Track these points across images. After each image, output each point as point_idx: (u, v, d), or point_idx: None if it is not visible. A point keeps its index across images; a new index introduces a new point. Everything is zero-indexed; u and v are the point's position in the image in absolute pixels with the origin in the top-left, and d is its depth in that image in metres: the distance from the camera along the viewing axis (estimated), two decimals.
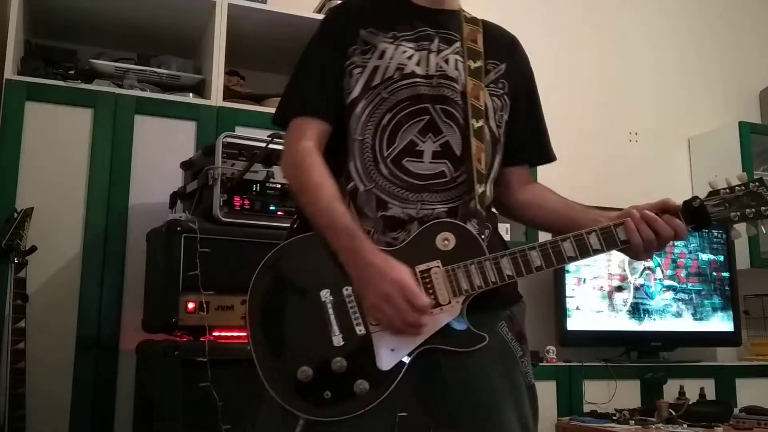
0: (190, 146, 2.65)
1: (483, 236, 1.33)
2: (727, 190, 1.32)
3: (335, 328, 1.27)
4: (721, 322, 3.60)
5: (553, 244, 1.29)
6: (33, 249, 2.26)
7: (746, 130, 3.81)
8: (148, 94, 2.70)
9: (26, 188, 2.44)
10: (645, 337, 3.43)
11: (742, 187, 1.32)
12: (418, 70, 1.37)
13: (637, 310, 3.43)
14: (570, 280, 3.31)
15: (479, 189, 1.35)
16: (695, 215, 1.31)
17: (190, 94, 2.78)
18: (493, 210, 1.49)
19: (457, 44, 1.43)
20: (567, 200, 1.47)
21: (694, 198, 1.32)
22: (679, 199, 1.35)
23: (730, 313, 3.62)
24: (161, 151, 2.62)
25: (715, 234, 3.65)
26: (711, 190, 1.33)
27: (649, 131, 4.02)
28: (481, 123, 1.38)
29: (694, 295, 3.56)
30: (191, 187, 2.42)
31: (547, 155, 1.57)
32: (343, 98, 1.39)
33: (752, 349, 3.77)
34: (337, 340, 1.27)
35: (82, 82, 2.63)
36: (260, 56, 3.02)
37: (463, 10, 1.51)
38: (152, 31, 2.91)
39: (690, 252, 3.59)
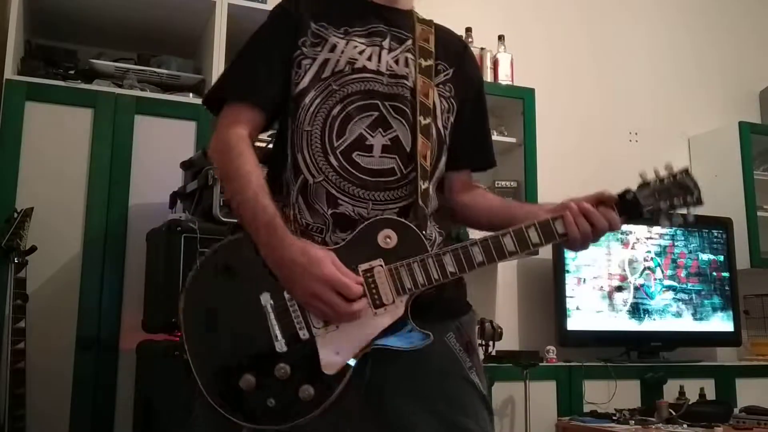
0: (190, 146, 2.65)
1: (425, 233, 1.31)
2: (657, 182, 1.34)
3: (277, 333, 1.23)
4: (721, 322, 3.60)
5: (493, 239, 1.28)
6: (33, 249, 2.26)
7: (746, 130, 3.81)
8: (148, 94, 2.70)
9: (26, 188, 2.44)
10: (645, 337, 3.43)
11: (671, 178, 1.35)
12: (369, 65, 1.36)
13: (637, 310, 3.43)
14: (570, 280, 3.31)
15: (422, 185, 1.33)
16: (629, 207, 1.33)
17: (190, 94, 2.78)
18: (443, 209, 1.47)
19: (409, 42, 1.42)
20: (506, 199, 1.48)
21: (628, 191, 1.34)
22: None
23: (730, 313, 3.62)
24: (161, 151, 2.62)
25: (715, 234, 3.65)
26: (642, 182, 1.35)
27: (649, 131, 4.02)
28: (428, 120, 1.37)
29: (694, 295, 3.56)
30: (191, 187, 2.42)
31: (488, 161, 1.57)
32: (290, 89, 1.36)
33: (752, 349, 3.77)
34: (280, 345, 1.23)
35: (82, 82, 2.64)
36: None
37: (416, 12, 1.51)
38: (152, 31, 2.91)
39: (690, 252, 3.59)
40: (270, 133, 2.32)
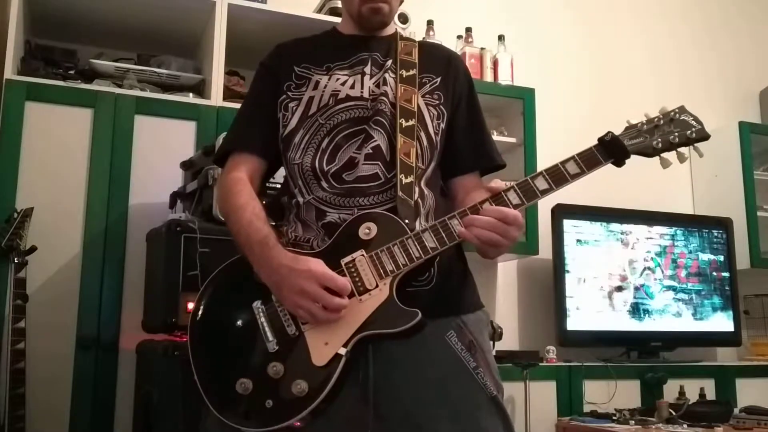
0: (190, 146, 2.65)
1: (407, 221, 1.32)
2: (645, 123, 1.33)
3: (268, 334, 1.28)
4: (721, 322, 3.60)
5: (472, 209, 1.30)
6: (33, 249, 2.26)
7: (746, 130, 3.81)
8: (148, 94, 2.69)
9: (26, 188, 2.44)
10: (645, 337, 3.43)
11: (662, 117, 1.33)
12: (353, 93, 1.42)
13: (637, 310, 3.43)
14: (570, 280, 3.31)
15: (404, 180, 1.36)
16: (610, 149, 1.33)
17: (190, 94, 2.78)
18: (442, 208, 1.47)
19: (390, 62, 1.46)
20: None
21: (607, 133, 1.33)
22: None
23: (730, 313, 3.63)
24: (161, 151, 2.62)
25: (715, 234, 3.65)
26: (628, 125, 1.34)
27: None
28: (411, 122, 1.41)
29: (694, 295, 3.56)
30: (191, 187, 2.42)
31: (492, 162, 1.56)
32: (280, 131, 1.45)
33: (752, 349, 3.77)
34: (271, 345, 1.28)
35: (82, 82, 2.63)
36: (260, 56, 3.01)
37: (399, 33, 1.55)
38: (152, 31, 2.91)
39: (690, 252, 3.59)
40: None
